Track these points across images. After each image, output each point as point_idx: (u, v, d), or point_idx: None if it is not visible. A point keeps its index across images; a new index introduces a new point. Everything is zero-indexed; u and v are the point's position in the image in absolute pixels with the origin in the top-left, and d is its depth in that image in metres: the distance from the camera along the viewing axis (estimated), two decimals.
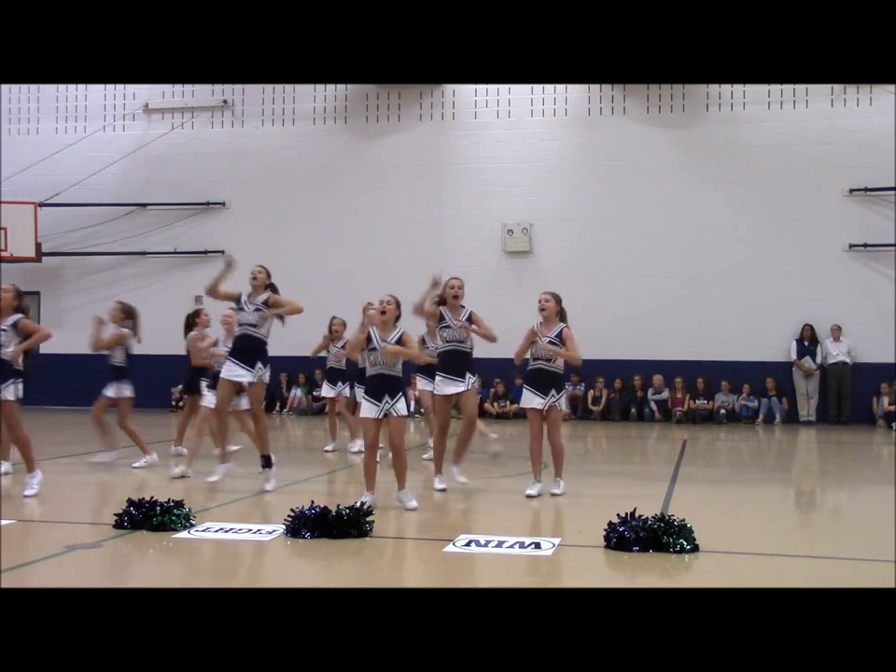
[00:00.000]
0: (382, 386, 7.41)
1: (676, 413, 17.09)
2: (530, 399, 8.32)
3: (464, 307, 8.67)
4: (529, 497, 8.15)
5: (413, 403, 14.05)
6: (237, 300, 8.46)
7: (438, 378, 8.61)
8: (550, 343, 8.24)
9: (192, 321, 11.09)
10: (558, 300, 8.47)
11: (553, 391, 8.26)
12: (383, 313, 7.55)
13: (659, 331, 17.43)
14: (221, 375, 8.39)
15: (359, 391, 11.17)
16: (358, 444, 11.15)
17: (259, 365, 8.28)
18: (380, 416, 7.39)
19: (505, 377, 17.36)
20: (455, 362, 8.53)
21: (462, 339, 8.59)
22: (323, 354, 12.05)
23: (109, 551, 6.10)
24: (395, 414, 7.37)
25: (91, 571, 5.60)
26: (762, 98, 17.43)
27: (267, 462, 8.42)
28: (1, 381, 7.82)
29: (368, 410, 7.43)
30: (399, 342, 7.46)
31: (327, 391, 11.92)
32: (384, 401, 7.37)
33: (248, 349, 8.29)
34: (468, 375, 8.57)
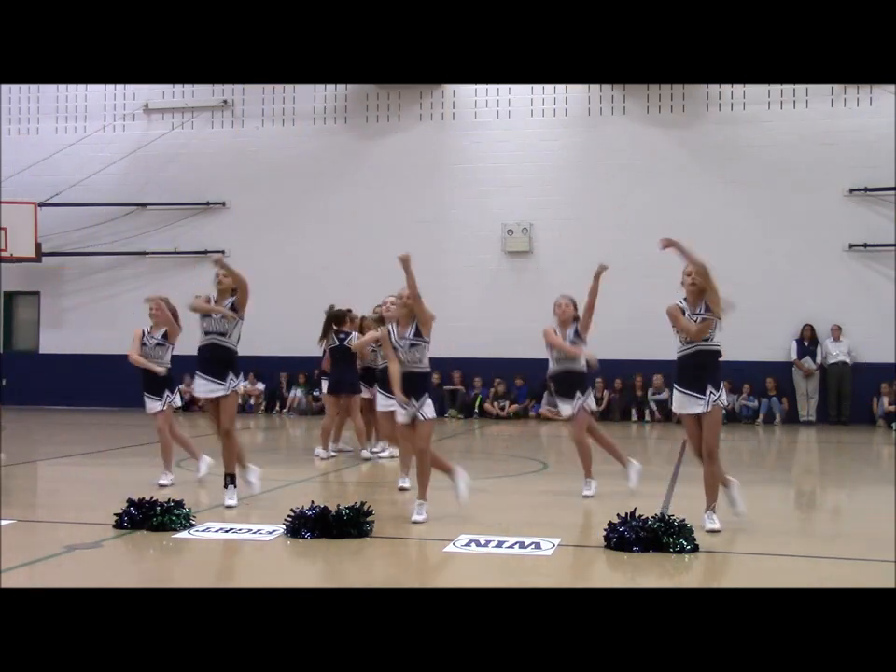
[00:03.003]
0: (408, 387, 6.99)
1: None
2: (562, 409, 8.26)
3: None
4: (586, 497, 8.23)
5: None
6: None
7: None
8: (571, 343, 8.20)
9: (342, 320, 11.05)
10: (576, 304, 8.46)
11: (578, 392, 8.14)
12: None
13: (659, 331, 17.28)
14: (196, 394, 7.70)
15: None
16: (380, 446, 11.28)
17: (231, 376, 7.58)
18: (409, 420, 7.00)
19: (505, 377, 17.38)
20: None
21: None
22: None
23: (109, 551, 6.10)
24: (422, 418, 6.97)
25: (91, 571, 5.60)
26: (762, 98, 17.43)
27: (232, 481, 7.63)
28: None
29: (383, 404, 7.17)
30: (417, 333, 7.05)
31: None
32: (409, 404, 6.96)
33: (217, 360, 7.58)
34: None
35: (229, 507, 7.43)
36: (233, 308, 7.56)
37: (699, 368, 6.55)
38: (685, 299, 6.71)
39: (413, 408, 6.94)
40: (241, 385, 7.71)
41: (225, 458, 7.64)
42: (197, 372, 7.68)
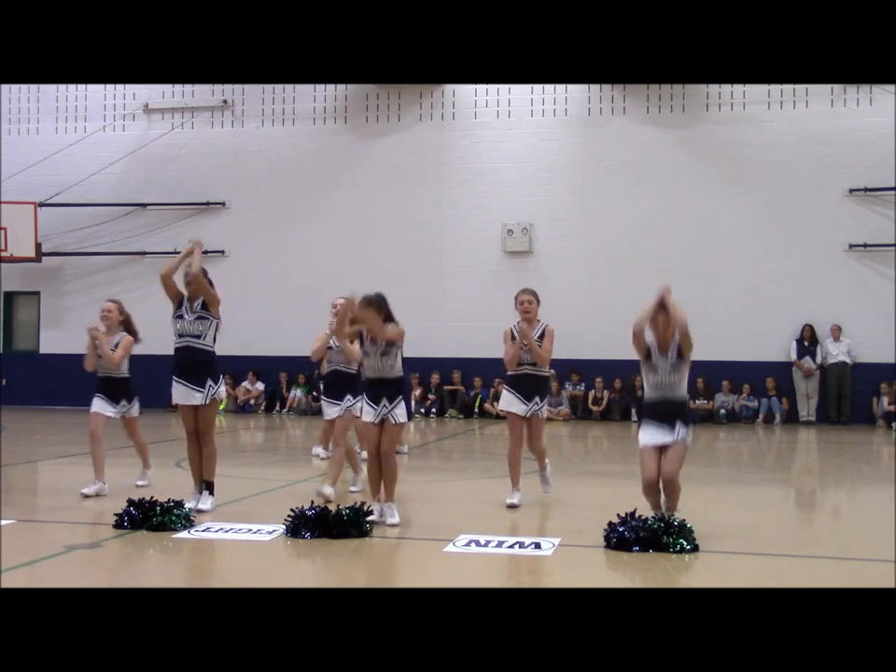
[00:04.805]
0: (381, 390, 6.93)
1: None
2: (511, 403, 7.84)
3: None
4: (511, 506, 7.73)
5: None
6: (179, 303, 7.36)
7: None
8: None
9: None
10: (539, 299, 8.19)
11: (538, 398, 7.83)
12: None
13: None
14: (174, 401, 7.40)
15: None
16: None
17: (210, 382, 7.24)
18: (376, 421, 6.90)
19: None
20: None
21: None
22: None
23: (109, 551, 6.10)
24: (393, 421, 6.91)
25: (91, 571, 5.60)
26: (762, 98, 17.43)
27: (208, 487, 7.40)
28: None
29: (367, 414, 6.96)
30: (389, 342, 6.93)
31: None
32: (381, 405, 6.90)
33: (195, 364, 7.24)
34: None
35: (200, 511, 7.13)
36: (205, 307, 7.29)
37: (669, 411, 6.46)
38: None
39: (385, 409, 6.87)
40: (221, 391, 7.36)
41: (204, 466, 7.38)
42: (174, 378, 7.33)
